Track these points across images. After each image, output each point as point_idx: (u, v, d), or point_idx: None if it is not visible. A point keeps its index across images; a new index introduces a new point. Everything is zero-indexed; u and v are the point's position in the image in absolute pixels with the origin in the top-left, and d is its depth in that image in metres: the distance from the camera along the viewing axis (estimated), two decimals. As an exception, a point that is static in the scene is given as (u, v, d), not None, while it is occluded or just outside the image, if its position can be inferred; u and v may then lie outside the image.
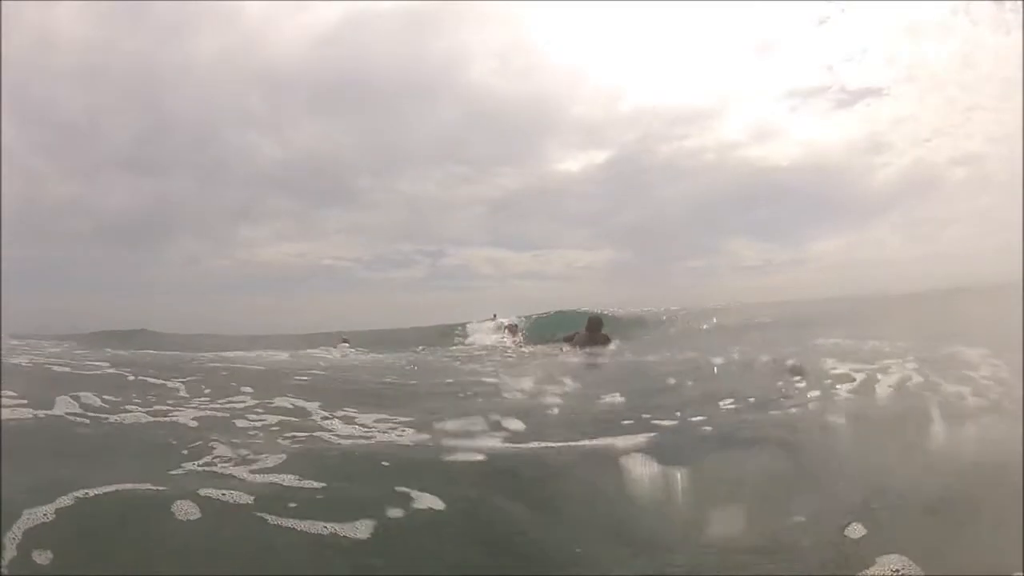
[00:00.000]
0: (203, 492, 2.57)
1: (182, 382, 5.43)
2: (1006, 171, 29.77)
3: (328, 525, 2.40)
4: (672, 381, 6.35)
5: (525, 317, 19.69)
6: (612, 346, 11.19)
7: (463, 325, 20.15)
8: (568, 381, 6.51)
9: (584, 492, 3.00)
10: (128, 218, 32.54)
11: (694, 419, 4.33)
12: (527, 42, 39.84)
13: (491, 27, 39.37)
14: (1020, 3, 26.28)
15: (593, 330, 11.42)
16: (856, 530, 2.43)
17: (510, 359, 10.53)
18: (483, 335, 18.74)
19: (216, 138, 34.73)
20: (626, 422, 4.29)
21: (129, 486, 2.58)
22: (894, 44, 34.92)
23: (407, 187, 35.02)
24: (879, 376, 5.58)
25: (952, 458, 3.43)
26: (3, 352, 7.83)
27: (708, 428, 4.12)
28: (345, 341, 16.10)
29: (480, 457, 3.25)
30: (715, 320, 18.75)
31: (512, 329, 18.43)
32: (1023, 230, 15.60)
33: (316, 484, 2.80)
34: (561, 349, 11.31)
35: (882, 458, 3.51)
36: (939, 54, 32.78)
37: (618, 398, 5.31)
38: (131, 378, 5.58)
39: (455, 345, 16.27)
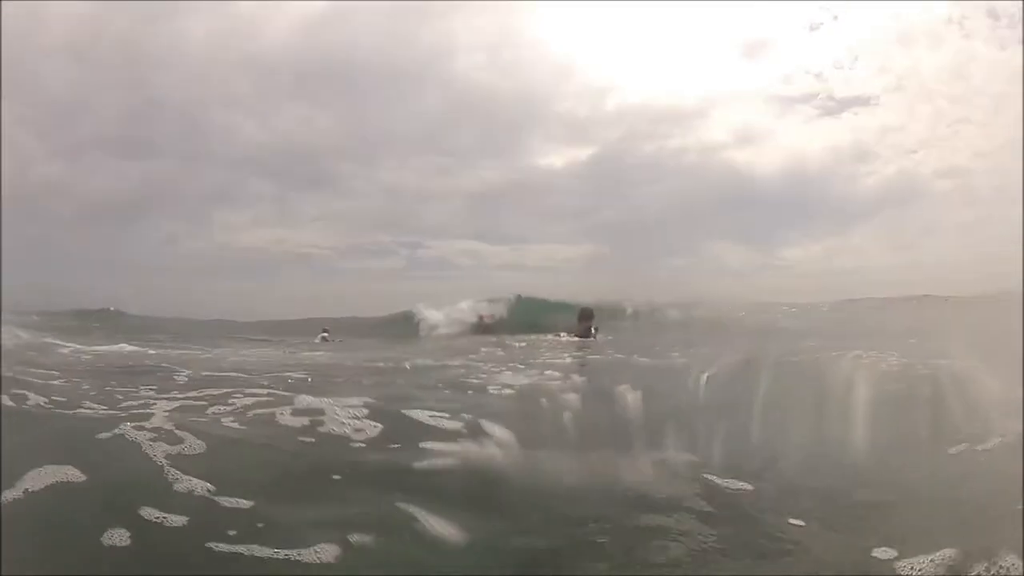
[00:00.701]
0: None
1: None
2: (992, 186, 30.38)
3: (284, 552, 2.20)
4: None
5: (488, 301, 19.49)
6: (599, 337, 11.45)
7: (414, 309, 19.75)
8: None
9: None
10: (108, 197, 31.74)
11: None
12: (516, 35, 39.71)
13: (480, 19, 39.11)
14: (1019, 18, 26.62)
15: (584, 321, 11.74)
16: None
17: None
18: (446, 324, 18.48)
19: (199, 120, 34.13)
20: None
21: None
22: (885, 54, 35.31)
23: (388, 176, 34.74)
24: (867, 374, 5.58)
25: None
26: None
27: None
28: (325, 331, 15.87)
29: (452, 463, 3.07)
30: (675, 315, 18.77)
31: (484, 317, 18.30)
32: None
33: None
34: (559, 336, 11.69)
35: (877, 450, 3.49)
36: (930, 66, 33.25)
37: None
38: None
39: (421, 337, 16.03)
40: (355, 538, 2.25)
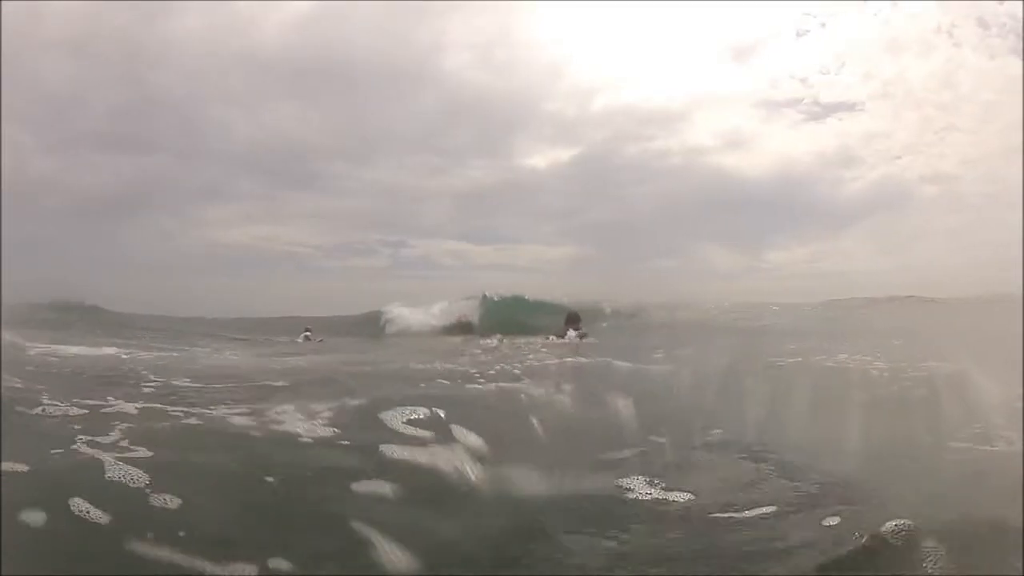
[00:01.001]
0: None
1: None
2: (979, 192, 30.62)
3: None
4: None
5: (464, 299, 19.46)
6: (579, 340, 11.48)
7: (384, 309, 19.64)
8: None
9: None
10: (96, 193, 31.26)
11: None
12: (508, 35, 39.46)
13: (473, 19, 38.80)
14: (1010, 28, 26.76)
15: (571, 324, 11.92)
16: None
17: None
18: (418, 324, 18.38)
19: (191, 117, 33.63)
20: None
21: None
22: (873, 61, 35.27)
23: (376, 175, 34.41)
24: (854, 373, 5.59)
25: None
26: None
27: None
28: (308, 330, 15.84)
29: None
30: (660, 316, 18.74)
31: (462, 317, 18.25)
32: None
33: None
34: (547, 338, 11.72)
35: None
36: (918, 73, 33.30)
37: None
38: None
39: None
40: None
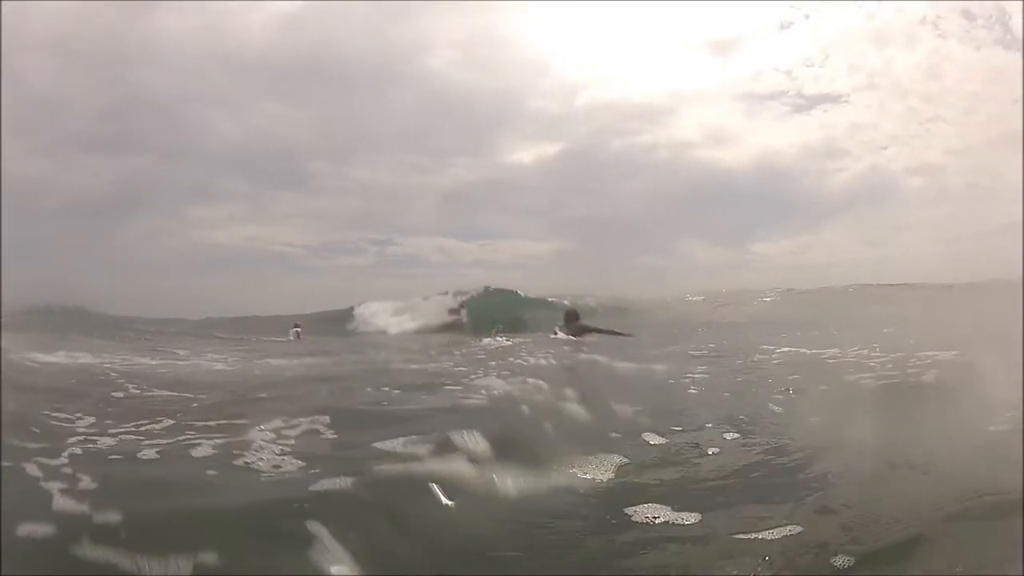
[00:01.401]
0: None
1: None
2: (964, 183, 30.86)
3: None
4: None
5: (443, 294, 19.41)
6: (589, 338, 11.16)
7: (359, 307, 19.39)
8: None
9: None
10: (83, 194, 30.91)
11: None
12: (491, 34, 39.43)
13: (457, 17, 38.61)
14: (995, 19, 26.80)
15: (570, 322, 11.57)
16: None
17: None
18: (400, 322, 18.23)
19: (177, 118, 33.40)
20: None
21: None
22: (857, 52, 35.41)
23: (363, 174, 34.33)
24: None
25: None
26: None
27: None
28: (297, 326, 16.04)
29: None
30: (646, 310, 18.70)
31: (455, 311, 18.16)
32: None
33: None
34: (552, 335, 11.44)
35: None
36: (904, 65, 33.48)
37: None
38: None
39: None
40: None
